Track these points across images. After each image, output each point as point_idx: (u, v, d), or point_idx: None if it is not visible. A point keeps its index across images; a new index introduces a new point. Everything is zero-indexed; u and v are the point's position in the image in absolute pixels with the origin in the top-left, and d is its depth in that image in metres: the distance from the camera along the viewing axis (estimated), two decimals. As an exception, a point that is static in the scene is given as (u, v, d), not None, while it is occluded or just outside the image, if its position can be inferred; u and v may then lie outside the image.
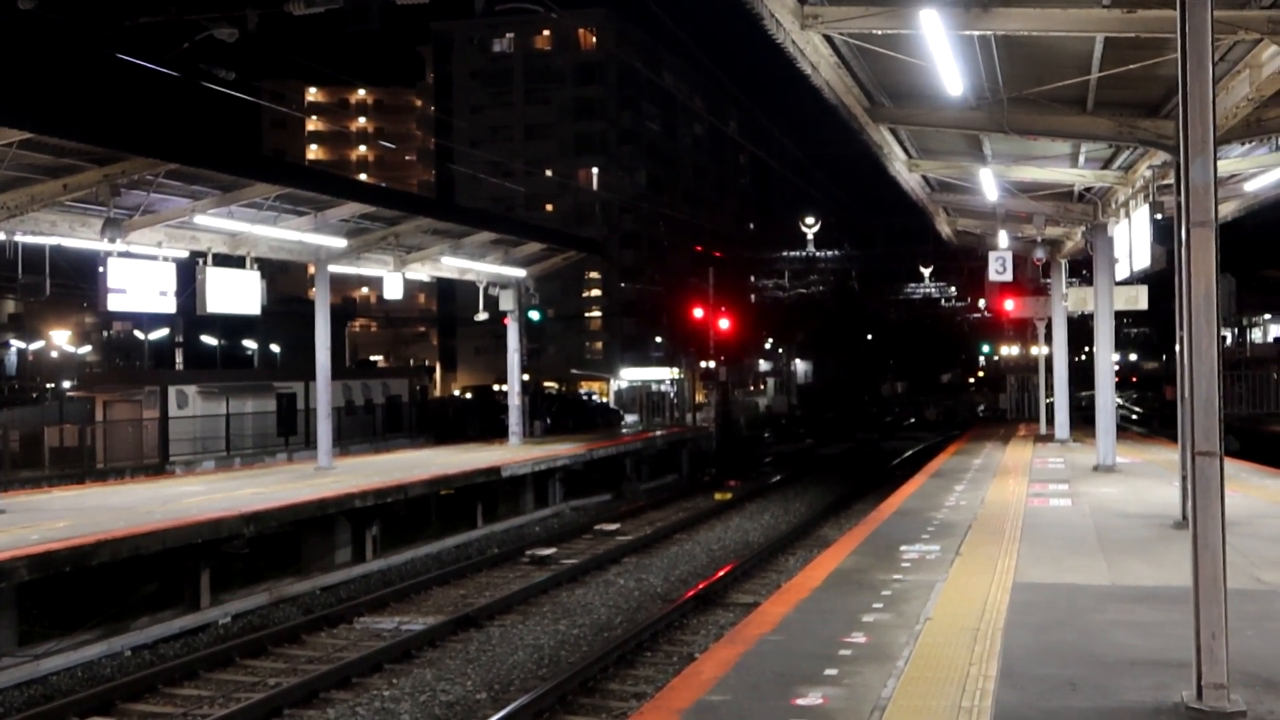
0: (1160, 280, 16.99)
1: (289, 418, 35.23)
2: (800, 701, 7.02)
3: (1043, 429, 33.34)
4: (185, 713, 11.69)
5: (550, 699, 11.27)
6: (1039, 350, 36.92)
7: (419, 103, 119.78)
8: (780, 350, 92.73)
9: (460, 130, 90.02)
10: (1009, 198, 21.77)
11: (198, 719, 11.25)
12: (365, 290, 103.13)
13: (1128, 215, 16.86)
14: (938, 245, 44.76)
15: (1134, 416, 55.88)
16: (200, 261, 20.36)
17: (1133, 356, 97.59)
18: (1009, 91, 13.51)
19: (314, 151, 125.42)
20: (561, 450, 29.40)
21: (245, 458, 31.64)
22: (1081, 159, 18.42)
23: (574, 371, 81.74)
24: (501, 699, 11.70)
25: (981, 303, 55.95)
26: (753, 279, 63.82)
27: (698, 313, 52.66)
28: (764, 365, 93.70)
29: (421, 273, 29.03)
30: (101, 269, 18.30)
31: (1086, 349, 48.33)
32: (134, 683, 12.49)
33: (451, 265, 28.72)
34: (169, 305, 19.40)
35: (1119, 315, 21.68)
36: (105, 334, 73.13)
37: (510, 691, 12.04)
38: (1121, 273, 17.92)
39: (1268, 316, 67.65)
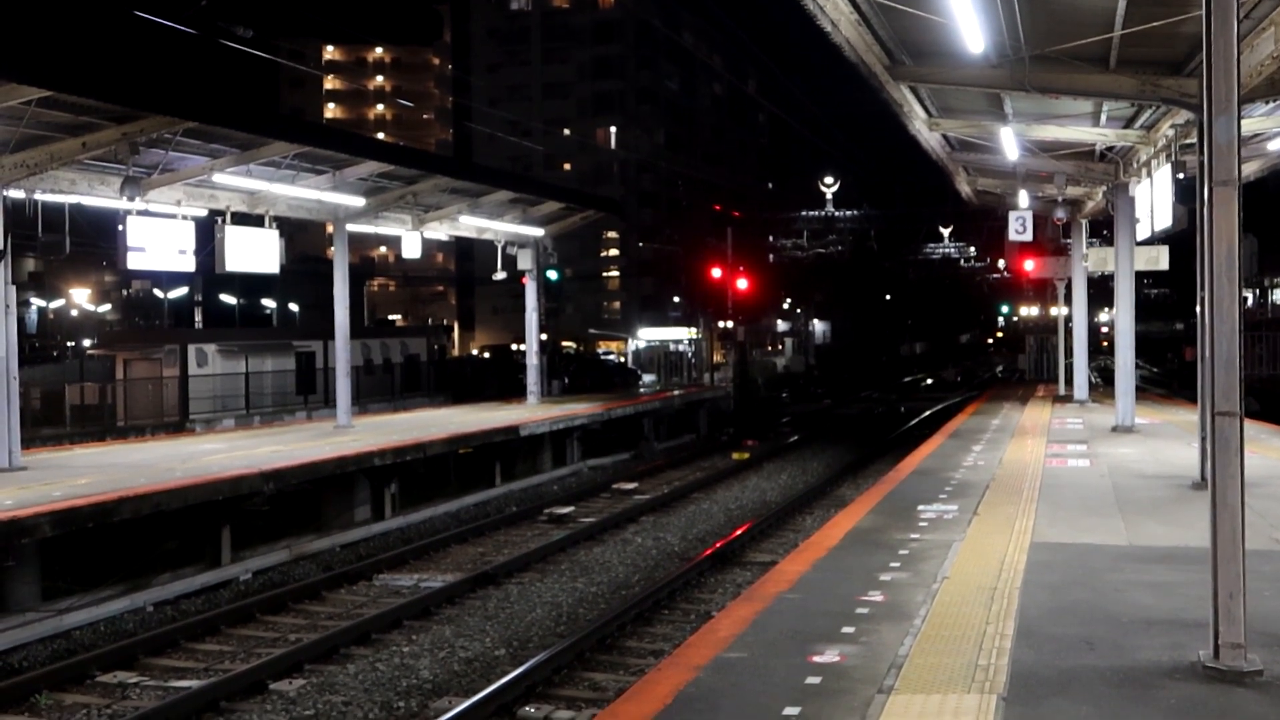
0: (1181, 241, 16.90)
1: (308, 376, 35.35)
2: (817, 659, 7.06)
3: (1061, 390, 33.27)
4: (207, 667, 11.81)
5: (568, 656, 11.33)
6: (1058, 311, 36.75)
7: (437, 61, 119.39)
8: (798, 310, 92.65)
9: (478, 89, 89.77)
10: (1029, 157, 21.64)
11: (219, 673, 11.36)
12: (383, 249, 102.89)
13: (1149, 175, 16.75)
14: (957, 205, 44.51)
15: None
16: (219, 220, 20.42)
17: None
18: (1031, 49, 13.39)
19: (332, 110, 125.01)
20: (579, 409, 29.46)
21: (265, 416, 31.80)
22: (1103, 118, 18.27)
23: (592, 331, 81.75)
24: (520, 655, 11.78)
25: (1001, 263, 55.61)
26: (771, 239, 63.59)
27: (716, 272, 52.58)
28: (782, 325, 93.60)
29: (440, 232, 28.99)
30: (121, 227, 18.34)
31: (1107, 309, 48.12)
32: (156, 638, 12.61)
33: (469, 224, 28.68)
34: (188, 264, 19.50)
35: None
36: (125, 292, 73.41)
37: (529, 648, 12.11)
38: (1143, 233, 17.81)
39: (1290, 278, 66.91)
